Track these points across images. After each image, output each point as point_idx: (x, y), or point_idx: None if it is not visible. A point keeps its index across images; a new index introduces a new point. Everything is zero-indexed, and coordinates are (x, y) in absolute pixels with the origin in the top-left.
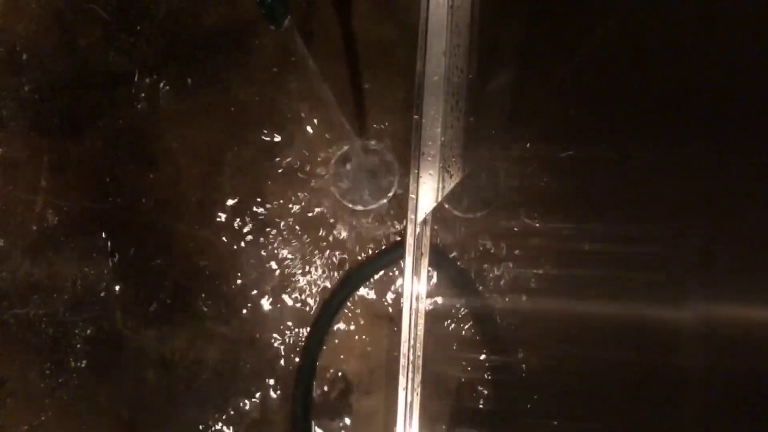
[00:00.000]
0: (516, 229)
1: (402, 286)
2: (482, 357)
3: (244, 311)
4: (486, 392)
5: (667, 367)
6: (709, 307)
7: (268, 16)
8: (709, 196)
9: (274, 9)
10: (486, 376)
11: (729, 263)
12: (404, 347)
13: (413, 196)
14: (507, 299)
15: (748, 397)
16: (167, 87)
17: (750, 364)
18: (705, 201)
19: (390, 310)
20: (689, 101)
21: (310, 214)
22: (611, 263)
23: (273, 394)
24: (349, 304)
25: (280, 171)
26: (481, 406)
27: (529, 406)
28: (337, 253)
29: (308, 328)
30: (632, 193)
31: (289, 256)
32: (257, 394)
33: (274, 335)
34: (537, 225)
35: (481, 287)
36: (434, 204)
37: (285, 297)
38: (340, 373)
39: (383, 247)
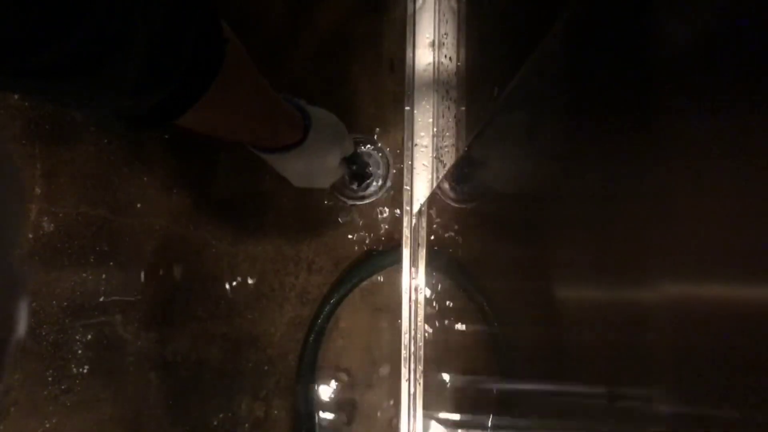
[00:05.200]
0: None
1: (401, 277)
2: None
3: (245, 310)
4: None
5: (634, 347)
6: (674, 286)
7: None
8: (673, 176)
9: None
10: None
11: (693, 241)
12: (405, 338)
13: (407, 188)
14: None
15: (715, 376)
16: None
17: (716, 344)
18: (669, 182)
19: (390, 302)
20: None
21: (307, 212)
22: (575, 245)
23: (276, 392)
24: (349, 298)
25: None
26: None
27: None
28: (336, 249)
29: (309, 325)
30: (601, 178)
31: (288, 252)
32: (260, 393)
33: (275, 333)
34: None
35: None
36: (429, 194)
37: (285, 294)
38: (342, 368)
39: (380, 248)
